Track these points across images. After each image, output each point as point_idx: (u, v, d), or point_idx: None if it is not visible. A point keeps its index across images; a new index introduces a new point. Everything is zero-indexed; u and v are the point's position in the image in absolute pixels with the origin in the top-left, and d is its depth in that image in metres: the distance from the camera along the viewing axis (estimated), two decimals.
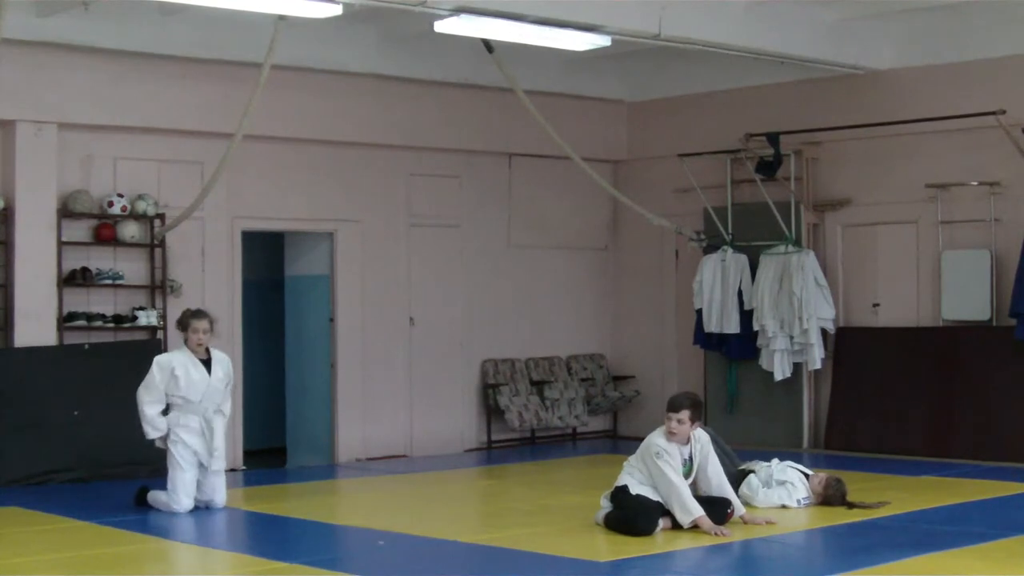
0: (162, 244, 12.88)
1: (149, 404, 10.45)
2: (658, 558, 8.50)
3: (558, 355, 15.92)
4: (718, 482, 9.62)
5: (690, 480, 9.53)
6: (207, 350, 10.62)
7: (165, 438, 10.51)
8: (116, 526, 9.70)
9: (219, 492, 10.56)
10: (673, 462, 9.35)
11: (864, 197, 14.39)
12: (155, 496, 10.51)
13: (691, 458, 9.53)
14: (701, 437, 9.59)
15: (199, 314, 10.67)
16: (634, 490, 9.39)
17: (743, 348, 14.75)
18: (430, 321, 14.78)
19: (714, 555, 8.72)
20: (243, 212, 13.50)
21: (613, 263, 16.42)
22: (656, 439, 9.45)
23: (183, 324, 10.65)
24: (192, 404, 10.49)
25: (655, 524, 9.24)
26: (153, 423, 10.46)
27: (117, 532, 9.49)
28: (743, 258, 14.79)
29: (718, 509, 9.46)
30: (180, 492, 10.37)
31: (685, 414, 9.33)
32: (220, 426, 10.61)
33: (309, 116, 13.69)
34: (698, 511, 9.23)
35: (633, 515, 9.27)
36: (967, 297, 13.58)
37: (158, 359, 10.65)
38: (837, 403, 14.45)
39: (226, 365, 10.74)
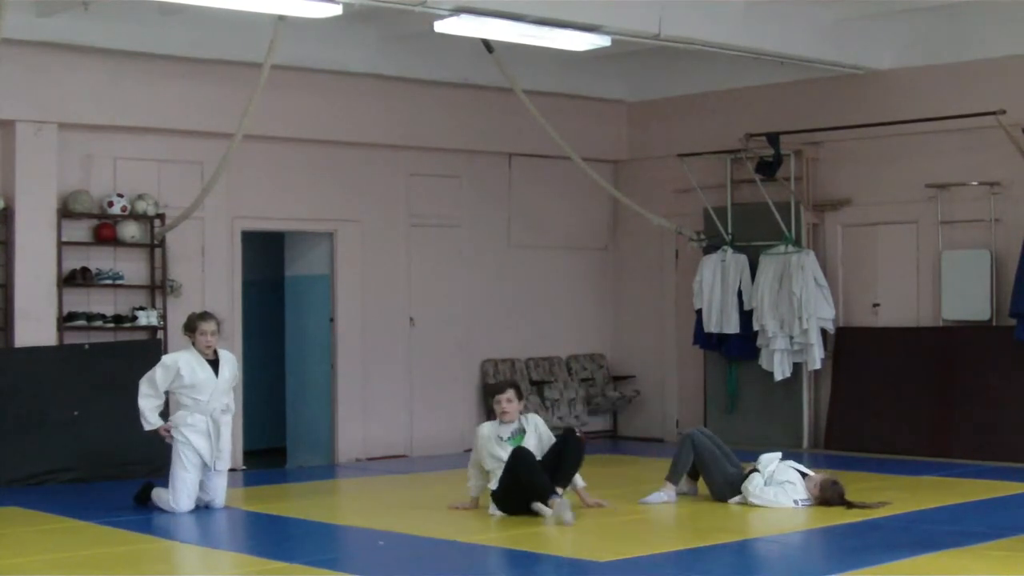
0: (162, 244, 12.88)
1: (144, 396, 10.47)
2: (657, 558, 8.50)
3: (558, 355, 15.93)
4: (541, 450, 10.21)
5: (524, 441, 10.16)
6: (215, 351, 10.63)
7: (171, 435, 10.51)
8: (116, 526, 9.70)
9: (220, 493, 10.56)
10: (474, 452, 10.25)
11: (864, 197, 14.39)
12: (158, 493, 10.52)
13: (522, 431, 10.18)
14: (532, 420, 10.33)
15: (205, 316, 10.66)
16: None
17: (743, 348, 14.75)
18: (430, 321, 14.78)
19: (713, 555, 8.72)
20: (243, 212, 13.50)
21: (613, 263, 16.42)
22: (481, 427, 10.40)
23: (190, 327, 10.63)
24: (200, 404, 10.48)
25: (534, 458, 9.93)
26: (145, 416, 10.46)
27: (117, 532, 9.49)
28: (743, 258, 14.79)
29: (570, 443, 10.11)
30: (180, 493, 10.37)
31: (510, 392, 10.19)
32: (227, 427, 10.62)
33: (309, 116, 13.69)
34: (472, 492, 10.29)
35: (512, 463, 9.88)
36: (967, 297, 13.58)
37: (165, 358, 10.69)
38: (837, 403, 14.45)
39: (233, 365, 10.75)
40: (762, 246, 14.67)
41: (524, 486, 9.80)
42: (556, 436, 10.34)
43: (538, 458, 10.00)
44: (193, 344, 10.59)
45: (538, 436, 10.22)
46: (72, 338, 12.45)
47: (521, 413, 10.28)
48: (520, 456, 9.89)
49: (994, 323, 13.44)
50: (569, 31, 11.73)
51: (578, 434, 10.18)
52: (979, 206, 13.58)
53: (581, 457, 10.12)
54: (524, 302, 15.61)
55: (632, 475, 10.98)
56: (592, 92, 15.73)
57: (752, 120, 14.75)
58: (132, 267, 12.83)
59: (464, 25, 11.27)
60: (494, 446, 10.10)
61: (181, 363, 10.48)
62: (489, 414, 15.04)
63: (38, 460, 11.96)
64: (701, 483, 10.92)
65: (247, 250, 13.75)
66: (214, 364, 10.56)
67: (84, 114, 12.51)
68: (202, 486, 10.50)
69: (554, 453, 10.07)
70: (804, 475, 10.47)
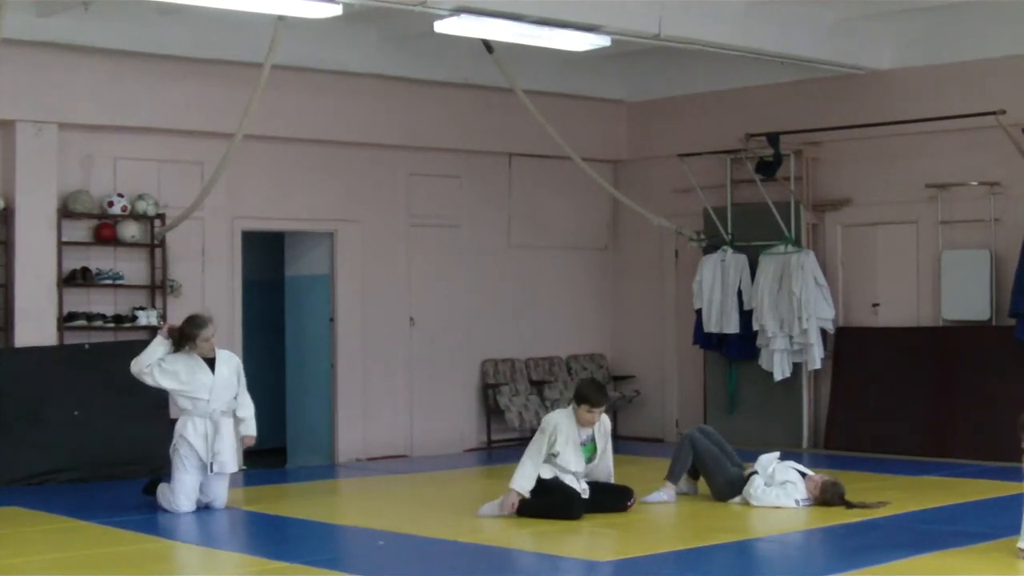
0: (162, 244, 12.88)
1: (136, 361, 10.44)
2: (658, 558, 8.50)
3: (558, 355, 15.92)
4: (608, 469, 10.31)
5: (593, 463, 10.15)
6: (212, 348, 10.59)
7: (173, 449, 10.50)
8: (116, 526, 9.70)
9: (221, 496, 10.55)
10: (547, 439, 9.90)
11: (864, 197, 14.39)
12: (162, 489, 10.51)
13: (593, 440, 10.14)
14: (605, 422, 10.29)
15: (202, 322, 10.51)
16: (546, 475, 9.89)
17: (743, 348, 14.75)
18: (430, 321, 14.78)
19: (714, 555, 8.73)
20: (243, 212, 13.50)
21: (613, 263, 16.42)
22: (556, 415, 10.12)
23: (189, 336, 10.42)
24: (200, 405, 10.43)
25: (582, 510, 9.77)
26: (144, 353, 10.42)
27: (117, 532, 9.49)
28: (743, 258, 14.79)
29: (620, 498, 10.10)
30: (179, 495, 10.35)
31: (603, 408, 10.08)
32: (228, 430, 10.55)
33: (309, 116, 13.69)
34: (515, 485, 9.83)
35: (563, 501, 9.77)
36: (967, 297, 13.58)
37: (165, 361, 10.48)
38: (837, 403, 14.46)
39: (232, 364, 10.67)
40: (762, 246, 14.67)
41: (548, 504, 9.84)
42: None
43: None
44: (193, 350, 10.49)
45: (608, 456, 10.32)
46: (72, 338, 12.45)
47: None
48: (573, 500, 9.84)
49: (994, 323, 13.44)
50: (569, 31, 11.72)
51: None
52: (979, 206, 13.58)
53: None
54: (524, 302, 15.61)
55: (632, 475, 10.96)
56: (592, 92, 15.73)
57: (752, 120, 14.75)
58: (132, 267, 12.83)
59: (464, 25, 11.27)
60: (570, 450, 9.97)
61: (179, 365, 10.43)
62: (490, 414, 15.11)
63: (38, 460, 11.95)
64: (701, 483, 10.93)
65: (247, 250, 13.74)
66: (211, 363, 10.54)
67: (84, 114, 12.51)
68: (203, 488, 10.49)
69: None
70: (803, 475, 10.48)
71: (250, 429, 10.71)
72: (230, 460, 10.55)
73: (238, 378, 10.69)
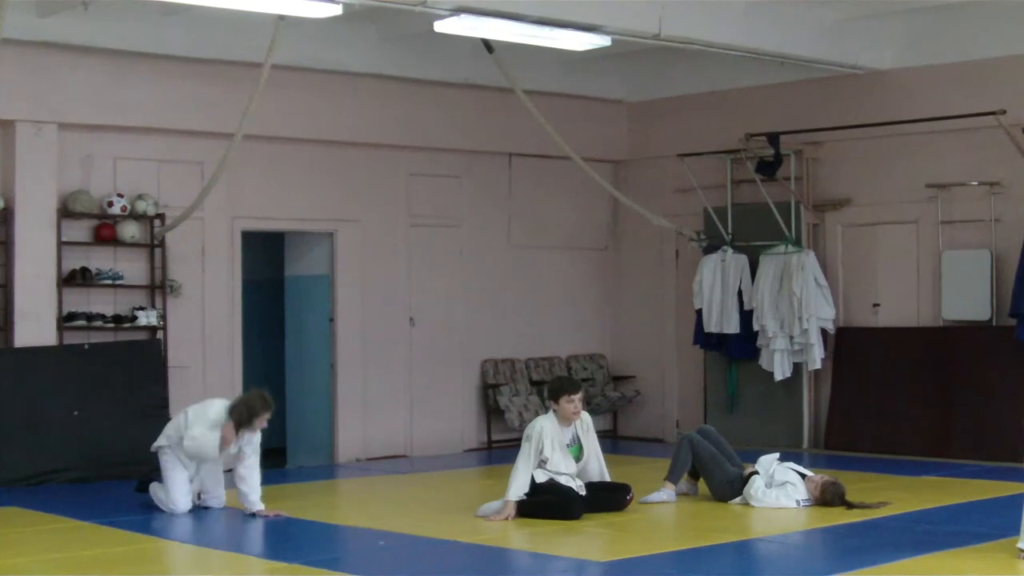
0: (162, 244, 12.88)
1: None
2: (658, 558, 8.50)
3: (558, 355, 15.92)
4: (599, 466, 10.27)
5: (582, 463, 10.14)
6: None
7: (159, 449, 10.47)
8: (116, 526, 9.70)
9: (219, 497, 10.57)
10: (535, 447, 9.85)
11: (864, 197, 14.39)
12: (155, 489, 10.48)
13: (578, 438, 10.15)
14: (585, 418, 10.23)
15: (269, 405, 10.24)
16: (540, 479, 9.86)
17: (743, 348, 14.75)
18: (430, 321, 14.78)
19: (714, 555, 8.73)
20: (243, 212, 13.50)
21: (613, 263, 16.42)
22: (538, 421, 10.06)
23: (253, 413, 10.12)
24: (186, 462, 10.36)
25: (581, 510, 9.76)
26: (201, 444, 10.21)
27: (117, 532, 9.50)
28: (743, 258, 14.79)
29: (618, 495, 10.10)
30: (176, 493, 10.32)
31: (581, 394, 10.06)
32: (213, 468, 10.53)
33: (309, 116, 13.69)
34: (512, 496, 9.74)
35: (562, 501, 9.75)
36: (967, 297, 13.57)
37: (218, 404, 10.28)
38: (837, 403, 14.45)
39: (252, 443, 10.30)
40: (762, 246, 14.67)
41: (545, 504, 9.81)
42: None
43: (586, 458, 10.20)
44: (240, 426, 10.17)
45: (596, 454, 10.29)
46: (72, 338, 12.44)
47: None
48: (571, 500, 9.79)
49: (994, 323, 13.44)
50: (569, 31, 11.73)
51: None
52: (979, 206, 13.58)
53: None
54: (524, 302, 15.61)
55: (632, 475, 10.96)
56: (592, 92, 15.73)
57: (752, 120, 14.75)
58: (132, 267, 12.82)
59: (464, 25, 11.27)
60: (558, 454, 9.97)
61: (221, 432, 10.12)
62: (490, 414, 15.11)
63: (38, 460, 11.96)
64: (701, 483, 10.92)
65: (247, 250, 13.74)
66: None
67: (84, 114, 12.50)
68: (202, 490, 10.48)
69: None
70: (803, 476, 10.48)
71: (256, 505, 10.24)
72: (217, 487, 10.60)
73: (252, 449, 10.36)
